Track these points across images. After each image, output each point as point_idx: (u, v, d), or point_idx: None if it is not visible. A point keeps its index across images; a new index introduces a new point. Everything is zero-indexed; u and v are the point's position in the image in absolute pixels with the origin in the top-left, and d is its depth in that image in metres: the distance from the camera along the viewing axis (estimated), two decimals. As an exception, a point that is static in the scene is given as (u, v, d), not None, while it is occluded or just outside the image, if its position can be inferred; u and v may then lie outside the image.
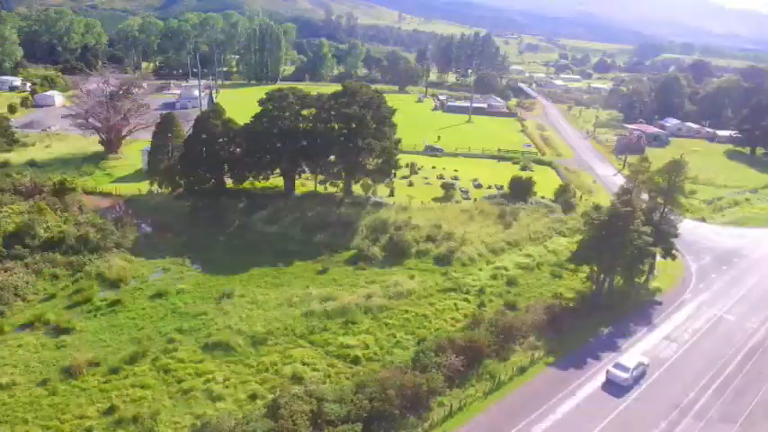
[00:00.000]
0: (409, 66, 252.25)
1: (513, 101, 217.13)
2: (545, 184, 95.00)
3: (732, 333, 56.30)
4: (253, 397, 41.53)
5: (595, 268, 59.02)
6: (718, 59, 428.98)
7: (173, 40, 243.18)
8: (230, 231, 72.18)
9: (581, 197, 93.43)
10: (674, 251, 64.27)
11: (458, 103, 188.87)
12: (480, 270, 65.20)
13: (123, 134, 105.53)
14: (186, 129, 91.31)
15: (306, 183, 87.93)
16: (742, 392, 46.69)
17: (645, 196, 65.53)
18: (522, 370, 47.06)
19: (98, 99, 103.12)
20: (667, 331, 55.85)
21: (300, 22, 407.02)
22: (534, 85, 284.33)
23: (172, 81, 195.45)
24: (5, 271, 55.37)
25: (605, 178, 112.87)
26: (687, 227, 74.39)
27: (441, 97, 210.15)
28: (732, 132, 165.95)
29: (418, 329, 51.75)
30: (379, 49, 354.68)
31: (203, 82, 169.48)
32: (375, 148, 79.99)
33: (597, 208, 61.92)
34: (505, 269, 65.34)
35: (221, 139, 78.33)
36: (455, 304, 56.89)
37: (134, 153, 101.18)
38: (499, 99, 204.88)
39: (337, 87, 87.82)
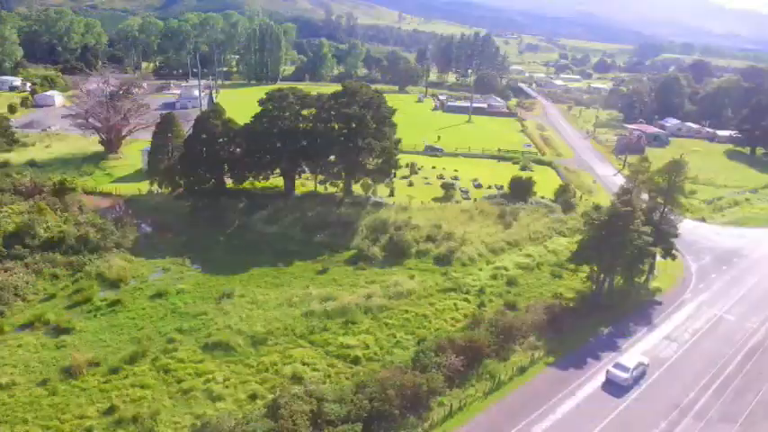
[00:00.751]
0: (409, 66, 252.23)
1: (513, 101, 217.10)
2: (545, 184, 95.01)
3: (732, 333, 56.31)
4: (253, 397, 41.53)
5: (595, 268, 59.02)
6: (718, 59, 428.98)
7: (173, 40, 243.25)
8: (230, 231, 72.19)
9: (581, 197, 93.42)
10: (673, 251, 64.27)
11: (458, 103, 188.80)
12: (480, 270, 65.20)
13: (123, 134, 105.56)
14: (186, 129, 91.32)
15: (306, 183, 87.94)
16: (742, 392, 46.69)
17: (645, 196, 65.48)
18: (522, 370, 47.06)
19: (98, 99, 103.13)
20: (667, 331, 55.85)
21: (300, 22, 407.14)
22: (534, 85, 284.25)
23: (172, 81, 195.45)
24: (5, 271, 55.37)
25: (605, 178, 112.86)
26: (687, 227, 74.38)
27: (441, 97, 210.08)
28: (732, 132, 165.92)
29: (418, 329, 51.76)
30: (379, 49, 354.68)
31: (203, 82, 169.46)
32: (375, 147, 80.00)
33: (597, 208, 61.90)
34: (505, 269, 65.34)
35: (221, 139, 78.37)
36: (455, 304, 56.88)
37: (134, 153, 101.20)
38: (499, 99, 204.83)
39: (337, 87, 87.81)
